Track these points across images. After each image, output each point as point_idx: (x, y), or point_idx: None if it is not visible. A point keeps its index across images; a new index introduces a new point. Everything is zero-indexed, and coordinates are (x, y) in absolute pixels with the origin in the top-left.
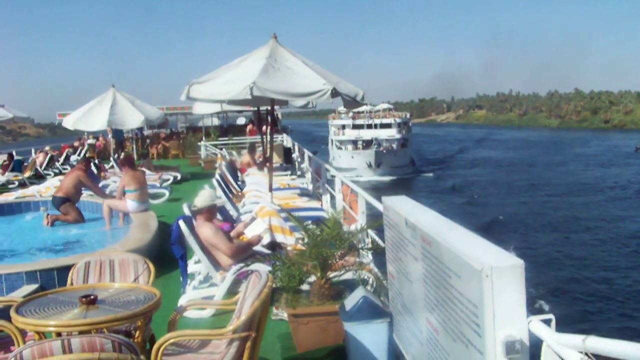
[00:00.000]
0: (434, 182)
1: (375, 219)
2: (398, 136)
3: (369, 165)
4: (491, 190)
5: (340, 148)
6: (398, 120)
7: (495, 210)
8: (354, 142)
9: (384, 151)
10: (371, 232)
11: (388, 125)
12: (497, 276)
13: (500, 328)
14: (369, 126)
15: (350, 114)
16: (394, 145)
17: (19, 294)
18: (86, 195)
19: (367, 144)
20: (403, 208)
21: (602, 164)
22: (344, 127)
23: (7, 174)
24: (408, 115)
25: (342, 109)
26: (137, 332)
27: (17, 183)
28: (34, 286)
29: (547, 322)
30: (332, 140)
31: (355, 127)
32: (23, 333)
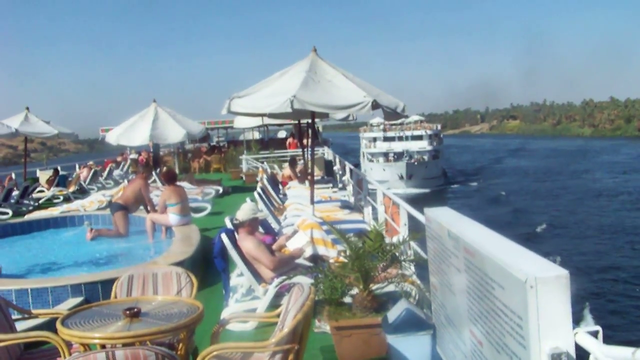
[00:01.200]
0: (466, 193)
1: (418, 231)
2: (429, 148)
3: (401, 178)
4: (519, 199)
5: (371, 161)
6: (429, 132)
7: (527, 219)
8: (385, 155)
9: (415, 163)
10: (413, 244)
11: (419, 137)
12: (541, 287)
13: (546, 340)
14: (400, 138)
15: (381, 127)
16: (426, 157)
17: (64, 307)
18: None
19: (399, 156)
20: (445, 219)
21: (625, 171)
22: (375, 139)
23: (52, 189)
24: (439, 127)
25: (374, 121)
26: (181, 345)
27: (62, 198)
28: (79, 299)
29: (594, 334)
30: (363, 153)
31: (386, 139)
32: (68, 345)
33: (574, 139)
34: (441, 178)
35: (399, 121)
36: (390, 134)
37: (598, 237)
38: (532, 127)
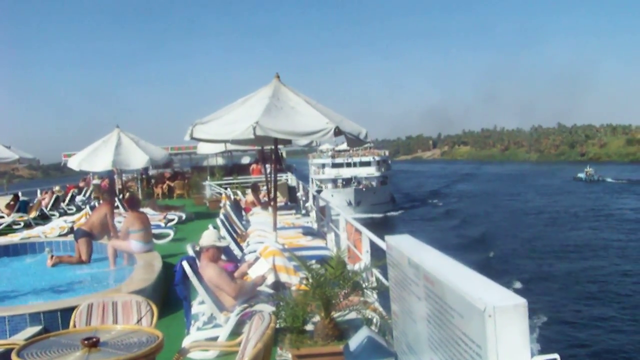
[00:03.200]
0: (413, 217)
1: (380, 258)
2: (377, 174)
3: (349, 204)
4: (460, 221)
5: (320, 187)
6: (377, 158)
7: (466, 238)
8: (334, 181)
9: (364, 189)
10: (375, 271)
11: (367, 164)
12: (500, 316)
13: None
14: (348, 165)
15: (330, 153)
16: (374, 183)
17: (22, 336)
18: None
19: (347, 182)
20: (406, 247)
21: (550, 193)
22: (323, 165)
23: (12, 214)
24: (387, 153)
25: (323, 147)
26: None
27: (22, 224)
28: (37, 328)
29: None
30: (312, 179)
31: (334, 165)
32: None
33: (521, 164)
34: (389, 204)
35: (346, 147)
36: (338, 160)
37: (521, 249)
38: (481, 152)
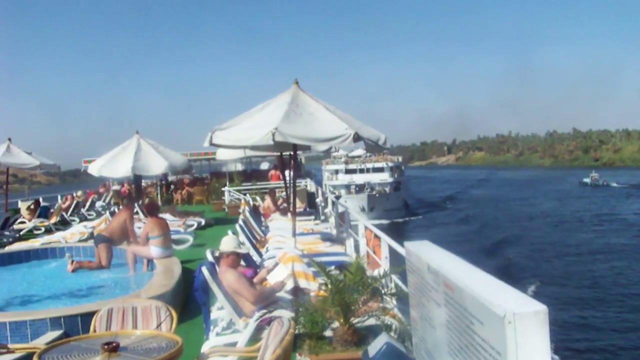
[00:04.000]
0: (426, 223)
1: (399, 264)
2: (390, 180)
3: (362, 210)
4: (472, 227)
5: (333, 193)
6: (390, 164)
7: (478, 243)
8: (347, 187)
9: (377, 195)
10: (394, 277)
11: (380, 170)
12: (520, 323)
13: None
14: (362, 170)
15: (343, 159)
16: (387, 189)
17: (42, 341)
18: None
19: (360, 188)
20: (425, 253)
21: (558, 197)
22: (337, 172)
23: (34, 220)
24: (400, 159)
25: (337, 153)
26: None
27: (43, 229)
28: (58, 332)
29: None
30: (325, 185)
31: (348, 171)
32: None
33: (534, 170)
34: (403, 209)
35: (361, 153)
36: (352, 166)
37: (533, 253)
38: (496, 158)
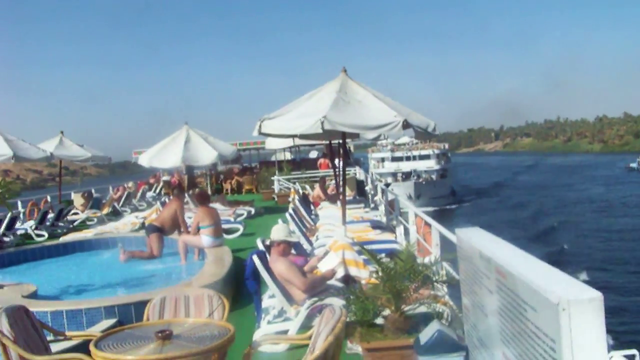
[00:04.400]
0: (473, 210)
1: (450, 251)
2: (437, 167)
3: (409, 197)
4: (520, 213)
5: (380, 181)
6: (437, 151)
7: (529, 229)
8: (394, 175)
9: (423, 182)
10: (445, 265)
11: (427, 157)
12: (574, 310)
13: None
14: (408, 158)
15: (389, 147)
16: (433, 176)
17: (97, 329)
18: None
19: (407, 175)
20: (477, 240)
21: (607, 183)
22: (383, 159)
23: (86, 211)
24: (446, 146)
25: (383, 141)
26: None
27: (95, 220)
28: (112, 320)
29: (630, 357)
30: (372, 173)
31: (394, 159)
32: None
33: (583, 155)
34: (449, 197)
35: (407, 140)
36: (398, 153)
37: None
38: (543, 144)
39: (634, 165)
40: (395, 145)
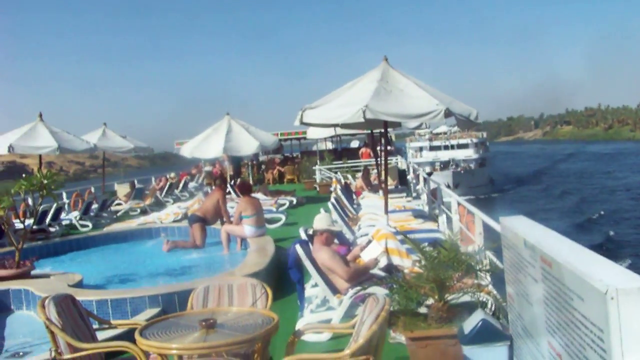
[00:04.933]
0: (512, 199)
1: (493, 240)
2: (475, 156)
3: (447, 186)
4: (561, 203)
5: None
6: (475, 140)
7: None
8: (432, 164)
9: (462, 172)
10: (489, 253)
11: (465, 146)
12: (623, 298)
13: (629, 354)
14: (446, 147)
15: (427, 136)
16: (472, 165)
17: (142, 317)
18: None
19: (445, 165)
20: (521, 228)
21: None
22: (421, 149)
23: (129, 201)
24: (484, 135)
25: (421, 131)
26: (256, 356)
27: (138, 210)
28: (156, 310)
29: None
30: (410, 163)
31: (432, 148)
32: (147, 355)
33: (625, 143)
34: (488, 186)
35: (445, 129)
36: (436, 143)
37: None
38: (584, 132)
39: None
40: (433, 134)
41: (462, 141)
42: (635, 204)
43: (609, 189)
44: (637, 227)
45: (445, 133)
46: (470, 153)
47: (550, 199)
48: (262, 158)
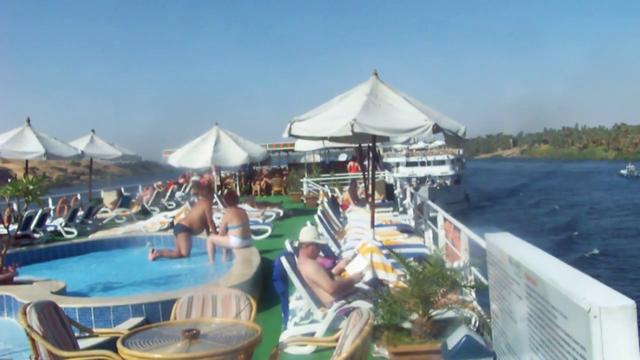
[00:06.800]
0: (486, 216)
1: (479, 256)
2: (451, 173)
3: None
4: (532, 219)
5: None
6: (451, 156)
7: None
8: (408, 180)
9: (438, 188)
10: (474, 270)
11: (441, 162)
12: (606, 317)
13: None
14: (423, 163)
15: (404, 152)
16: (448, 182)
17: (125, 326)
18: None
19: (421, 181)
20: (506, 245)
21: (608, 188)
22: (397, 164)
23: (115, 209)
24: (461, 152)
25: (397, 146)
26: None
27: (124, 218)
28: (139, 319)
29: None
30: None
31: (409, 164)
32: None
33: (597, 162)
34: (463, 202)
35: (422, 146)
36: (413, 159)
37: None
38: (560, 151)
39: (623, 172)
40: (410, 150)
41: (438, 157)
42: (589, 216)
43: (572, 204)
44: (584, 232)
45: (423, 149)
46: (446, 169)
47: (521, 213)
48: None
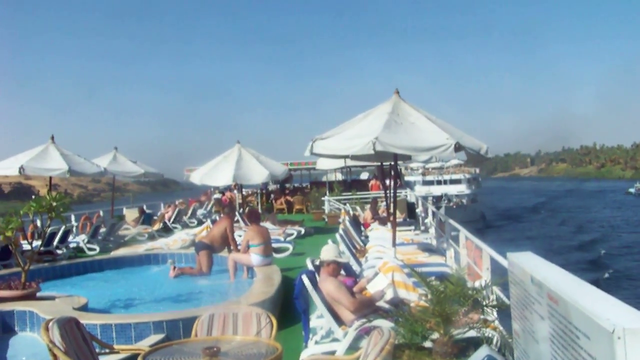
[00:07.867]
0: (502, 236)
1: (500, 275)
2: (468, 192)
3: None
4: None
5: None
6: (468, 176)
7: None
8: (425, 198)
9: (454, 207)
10: (496, 289)
11: (458, 181)
12: (630, 338)
13: None
14: (439, 182)
15: (420, 171)
16: (464, 201)
17: (146, 343)
18: None
19: (437, 199)
20: (529, 264)
21: (618, 207)
22: (414, 183)
23: (137, 226)
24: (477, 171)
25: (414, 165)
26: None
27: (146, 236)
28: (160, 336)
29: None
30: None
31: (425, 183)
32: None
33: (614, 182)
34: (480, 221)
35: (438, 165)
36: (429, 177)
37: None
38: (577, 170)
39: (631, 190)
40: (426, 169)
41: (455, 176)
42: (602, 231)
43: (584, 221)
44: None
45: (439, 168)
46: (462, 188)
47: (536, 232)
48: (271, 187)
